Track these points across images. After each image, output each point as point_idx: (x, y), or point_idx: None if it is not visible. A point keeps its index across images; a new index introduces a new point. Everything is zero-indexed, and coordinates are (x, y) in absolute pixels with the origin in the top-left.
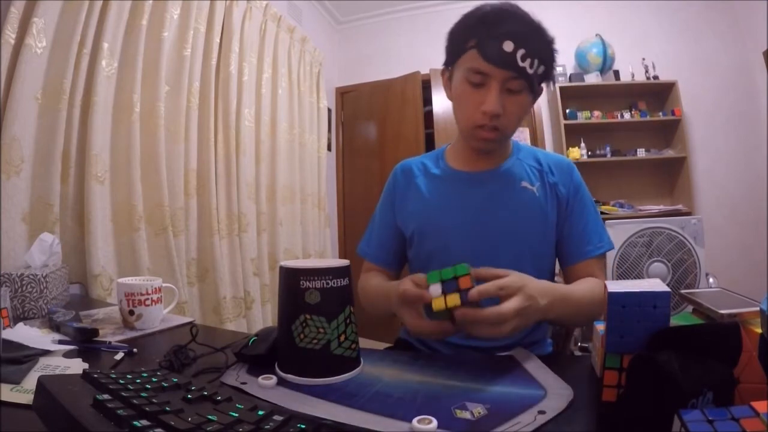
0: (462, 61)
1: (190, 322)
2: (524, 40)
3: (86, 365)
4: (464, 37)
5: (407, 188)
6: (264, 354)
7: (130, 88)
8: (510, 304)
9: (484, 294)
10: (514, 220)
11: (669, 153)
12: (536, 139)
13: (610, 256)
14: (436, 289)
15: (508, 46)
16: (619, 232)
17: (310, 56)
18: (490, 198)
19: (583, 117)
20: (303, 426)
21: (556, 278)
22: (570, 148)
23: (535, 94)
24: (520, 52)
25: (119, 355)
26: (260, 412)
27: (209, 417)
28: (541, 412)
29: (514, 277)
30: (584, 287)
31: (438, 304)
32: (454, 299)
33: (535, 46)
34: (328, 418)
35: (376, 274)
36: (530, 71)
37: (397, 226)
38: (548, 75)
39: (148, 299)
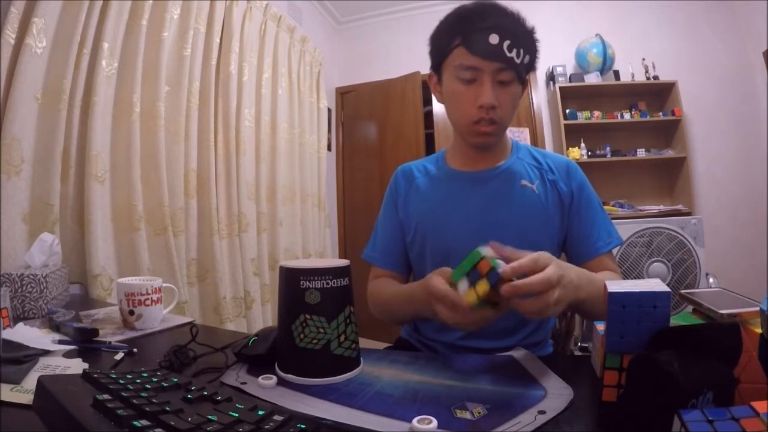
0: (449, 61)
1: (190, 322)
2: (508, 31)
3: (86, 365)
4: (448, 36)
5: (408, 190)
6: (264, 354)
7: (130, 88)
8: (550, 270)
9: (517, 270)
10: (515, 219)
11: (669, 153)
12: (536, 139)
13: None
14: (464, 284)
15: (493, 38)
16: (619, 232)
17: (310, 56)
18: (491, 197)
19: (583, 117)
20: (303, 426)
21: None
22: (570, 148)
23: (524, 84)
24: (506, 43)
25: (119, 355)
26: (260, 412)
27: (209, 417)
28: (541, 412)
29: (544, 253)
30: (606, 276)
31: (470, 297)
32: (483, 286)
33: (519, 37)
34: (328, 418)
35: (389, 280)
36: (518, 61)
37: (401, 228)
38: (533, 64)
39: (148, 299)
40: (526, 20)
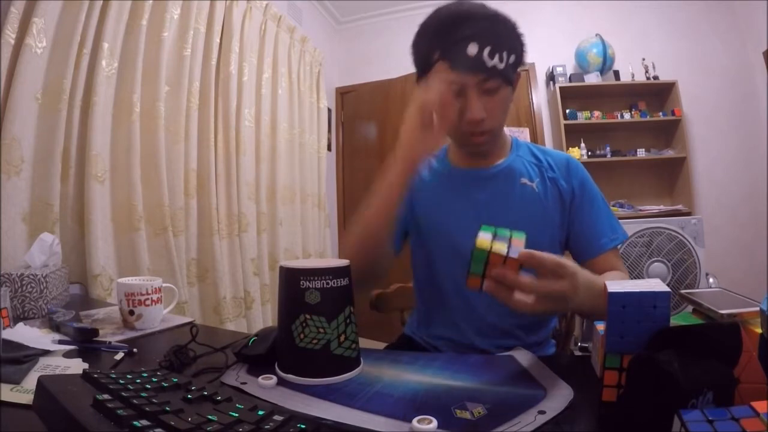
0: (433, 74)
1: (190, 322)
2: (487, 37)
3: (86, 365)
4: (427, 50)
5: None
6: (264, 354)
7: (130, 88)
8: (555, 285)
9: (537, 259)
10: (515, 217)
11: (669, 153)
12: (536, 139)
13: None
14: (485, 235)
15: (472, 48)
16: None
17: (310, 56)
18: (491, 195)
19: (583, 117)
20: (303, 426)
21: None
22: (570, 148)
23: (513, 83)
24: (487, 50)
25: (119, 355)
26: (260, 412)
27: (209, 417)
28: (541, 412)
29: (570, 262)
30: (612, 277)
31: (482, 243)
32: (500, 247)
33: (499, 40)
34: (328, 418)
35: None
36: (501, 66)
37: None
38: (520, 60)
39: (148, 299)
40: (506, 17)
